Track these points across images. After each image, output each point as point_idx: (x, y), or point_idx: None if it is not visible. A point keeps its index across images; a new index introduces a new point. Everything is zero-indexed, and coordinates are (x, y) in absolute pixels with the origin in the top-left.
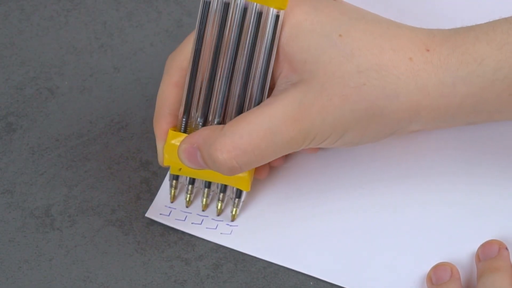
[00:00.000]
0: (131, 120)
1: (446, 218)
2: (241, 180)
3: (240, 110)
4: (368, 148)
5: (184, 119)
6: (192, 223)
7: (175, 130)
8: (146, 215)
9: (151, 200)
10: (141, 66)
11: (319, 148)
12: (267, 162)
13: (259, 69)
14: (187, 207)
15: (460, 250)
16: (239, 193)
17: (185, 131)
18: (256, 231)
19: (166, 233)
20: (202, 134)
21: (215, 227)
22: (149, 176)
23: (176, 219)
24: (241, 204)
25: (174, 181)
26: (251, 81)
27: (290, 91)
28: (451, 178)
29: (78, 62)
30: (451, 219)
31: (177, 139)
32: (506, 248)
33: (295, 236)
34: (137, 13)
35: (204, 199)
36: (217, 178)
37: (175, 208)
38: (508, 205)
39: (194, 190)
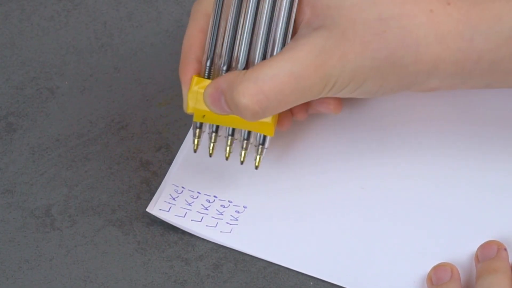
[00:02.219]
0: (131, 120)
1: (446, 218)
2: (265, 126)
3: (263, 56)
4: (370, 146)
5: (208, 65)
6: (191, 220)
7: (199, 76)
8: (147, 209)
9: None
10: (141, 66)
11: (341, 107)
12: (288, 108)
13: (282, 14)
14: (210, 155)
15: (460, 251)
16: (263, 140)
17: (209, 77)
18: (256, 230)
19: (166, 233)
20: (227, 78)
21: (214, 225)
22: (149, 176)
23: (175, 215)
24: (264, 151)
25: (197, 130)
26: (274, 27)
27: (312, 36)
28: (451, 178)
29: (78, 62)
30: (451, 220)
31: (201, 85)
32: (505, 249)
33: (295, 236)
34: (137, 13)
35: (228, 147)
36: (241, 124)
37: (174, 205)
38: (508, 205)
39: (218, 139)
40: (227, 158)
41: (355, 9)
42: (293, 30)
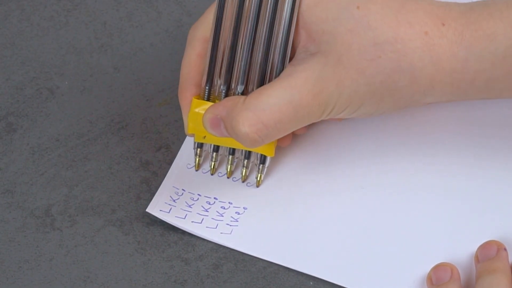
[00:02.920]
0: (131, 120)
1: (446, 219)
2: (265, 146)
3: (262, 78)
4: (370, 147)
5: (207, 87)
6: (192, 221)
7: (198, 99)
8: (147, 210)
9: (151, 200)
10: (141, 66)
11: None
12: (287, 133)
13: (280, 37)
14: (212, 174)
15: (460, 251)
16: (263, 159)
17: (208, 99)
18: (256, 231)
19: (166, 233)
20: (226, 105)
21: (215, 227)
22: (149, 176)
23: (176, 216)
24: (265, 170)
25: (198, 149)
26: (273, 49)
27: (309, 62)
28: (451, 178)
29: (78, 62)
30: (451, 220)
31: (201, 107)
32: (505, 249)
33: (295, 236)
34: (137, 13)
35: (229, 166)
36: (241, 145)
37: (175, 206)
38: (508, 205)
39: (219, 158)
40: (228, 177)
41: (349, 34)
42: (291, 50)
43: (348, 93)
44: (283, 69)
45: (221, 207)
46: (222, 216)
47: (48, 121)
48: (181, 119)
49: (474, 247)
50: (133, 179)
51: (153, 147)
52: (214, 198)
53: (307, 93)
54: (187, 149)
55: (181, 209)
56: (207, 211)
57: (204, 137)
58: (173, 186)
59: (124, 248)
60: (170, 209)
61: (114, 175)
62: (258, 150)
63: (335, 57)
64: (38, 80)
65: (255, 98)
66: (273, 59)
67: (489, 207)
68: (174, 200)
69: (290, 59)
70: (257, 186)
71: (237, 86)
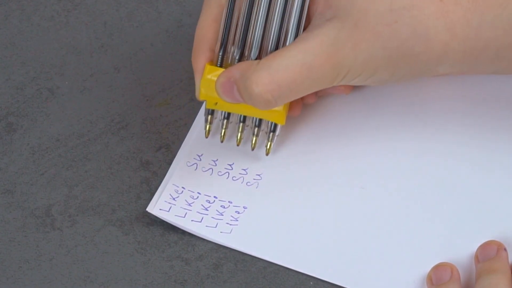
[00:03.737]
0: (131, 120)
1: (446, 218)
2: (277, 114)
3: (276, 46)
4: (369, 147)
5: (220, 54)
6: (191, 220)
7: (211, 65)
8: (147, 209)
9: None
10: (141, 66)
11: (352, 88)
12: (301, 96)
13: (295, 4)
14: (221, 141)
15: (460, 251)
16: (274, 127)
17: (221, 66)
18: (256, 231)
19: (166, 233)
20: (239, 68)
21: (215, 226)
22: (149, 176)
23: (175, 215)
24: (275, 138)
25: (209, 116)
26: (288, 17)
27: (325, 27)
28: (451, 178)
29: (78, 62)
30: (451, 219)
31: (214, 73)
32: (505, 249)
33: (295, 236)
34: (137, 13)
35: (239, 134)
36: (252, 112)
37: (175, 205)
38: (508, 205)
39: (229, 125)
40: (238, 144)
41: (367, 0)
42: (307, 20)
43: (363, 57)
44: (297, 36)
45: (221, 206)
46: (222, 215)
47: (48, 121)
48: (181, 119)
49: (474, 247)
50: (133, 179)
51: (153, 147)
52: (214, 197)
53: (322, 55)
54: (187, 148)
55: (180, 207)
56: (207, 210)
57: (216, 103)
58: (173, 184)
59: (124, 248)
60: (170, 207)
61: (114, 175)
62: (269, 117)
63: (351, 21)
64: (38, 80)
65: (269, 59)
66: (287, 27)
67: (489, 207)
68: (174, 199)
69: (305, 28)
70: (267, 155)
71: (250, 52)
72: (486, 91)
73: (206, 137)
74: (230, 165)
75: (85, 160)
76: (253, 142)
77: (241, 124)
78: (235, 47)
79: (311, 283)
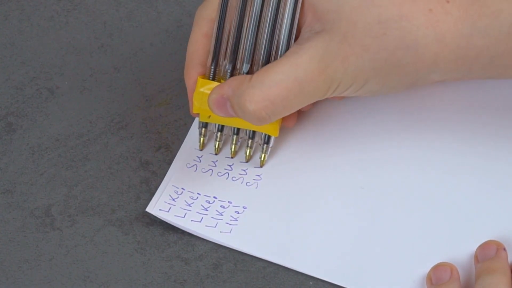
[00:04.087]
0: (131, 120)
1: (446, 218)
2: (270, 126)
3: (267, 58)
4: (369, 147)
5: (212, 67)
6: (191, 220)
7: (204, 78)
8: (147, 209)
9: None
10: (141, 66)
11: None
12: (294, 111)
13: (285, 17)
14: (216, 154)
15: (460, 251)
16: (267, 139)
17: (213, 79)
18: (256, 230)
19: (166, 233)
20: (232, 84)
21: (214, 226)
22: (149, 176)
23: (175, 215)
24: (269, 150)
25: (203, 129)
26: (278, 29)
27: (314, 40)
28: (451, 178)
29: (78, 62)
30: (451, 219)
31: (206, 86)
32: (504, 249)
33: (295, 236)
34: (137, 13)
35: (233, 146)
36: (246, 125)
37: (174, 205)
38: (508, 205)
39: (223, 138)
40: (232, 157)
41: (354, 12)
42: (296, 32)
43: (353, 69)
44: (288, 49)
45: (221, 206)
46: (222, 215)
47: (48, 121)
48: (181, 119)
49: (474, 247)
50: (133, 179)
51: (153, 147)
52: (214, 197)
53: (313, 70)
54: (187, 148)
55: (180, 208)
56: (207, 210)
57: (209, 116)
58: (173, 185)
59: (124, 248)
60: (170, 208)
61: (114, 175)
62: (262, 129)
63: (340, 34)
64: (38, 80)
65: (261, 75)
66: (278, 39)
67: (489, 208)
68: (173, 199)
69: (296, 39)
70: (261, 166)
71: (242, 66)
72: (484, 91)
73: (200, 150)
74: (229, 165)
75: (84, 160)
76: (247, 154)
77: (234, 136)
78: (226, 60)
79: (311, 283)
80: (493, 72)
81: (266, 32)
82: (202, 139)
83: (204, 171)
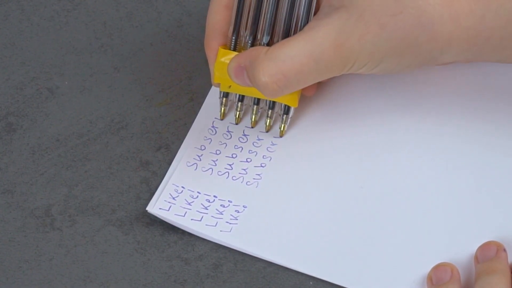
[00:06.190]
0: (131, 120)
1: (446, 218)
2: (289, 97)
3: (287, 30)
4: (368, 147)
5: (233, 38)
6: (191, 219)
7: (225, 48)
8: (147, 208)
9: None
10: (141, 66)
11: None
12: (308, 85)
13: None
14: (236, 124)
15: (460, 251)
16: (287, 109)
17: (234, 49)
18: (256, 230)
19: (166, 233)
20: (249, 55)
21: (214, 225)
22: (149, 176)
23: (175, 214)
24: (289, 120)
25: (224, 99)
26: (298, 2)
27: (332, 17)
28: (451, 178)
29: (78, 62)
30: (451, 220)
31: (227, 57)
32: (504, 250)
33: (295, 235)
34: (137, 13)
35: (253, 116)
36: None
37: (174, 204)
38: (508, 205)
39: (244, 108)
40: (252, 126)
41: None
42: (316, 6)
43: (369, 48)
44: (307, 23)
45: (221, 205)
46: (222, 214)
47: (48, 121)
48: (181, 119)
49: (474, 247)
50: (133, 179)
51: (153, 147)
52: (214, 196)
53: (329, 46)
54: (187, 147)
55: (180, 206)
56: (207, 209)
57: (230, 86)
58: (173, 184)
59: (124, 248)
60: (170, 207)
61: (114, 175)
62: (282, 100)
63: (357, 12)
64: (38, 80)
65: (277, 49)
66: (298, 13)
67: (489, 208)
68: (173, 198)
69: (315, 14)
70: (281, 136)
71: (262, 37)
72: (490, 89)
73: (221, 119)
74: (230, 165)
75: (85, 160)
76: (267, 124)
77: (255, 106)
78: (247, 32)
79: (311, 283)
80: (503, 54)
81: (286, 4)
82: (223, 108)
83: (204, 170)
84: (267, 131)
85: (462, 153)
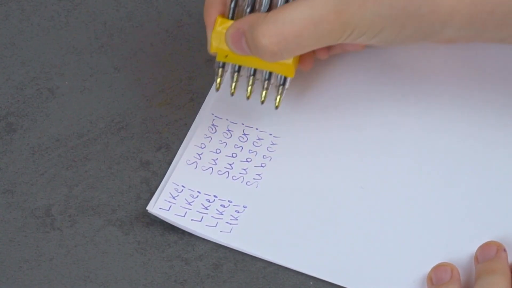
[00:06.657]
0: (131, 120)
1: (446, 218)
2: (286, 67)
3: (286, 0)
4: (368, 147)
5: (232, 6)
6: (191, 219)
7: (223, 17)
8: (147, 208)
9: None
10: (141, 66)
11: (364, 47)
12: (307, 51)
13: None
14: (232, 94)
15: (460, 251)
16: (283, 80)
17: (232, 18)
18: (256, 230)
19: (166, 233)
20: (248, 20)
21: (214, 225)
22: (149, 176)
23: (175, 214)
24: (285, 91)
25: (220, 69)
26: None
27: None
28: (451, 178)
29: (78, 62)
30: (451, 220)
31: (224, 25)
32: (504, 250)
33: (295, 235)
34: (137, 13)
35: (249, 87)
36: (262, 65)
37: (175, 204)
38: (508, 205)
39: (240, 79)
40: (248, 98)
41: None
42: None
43: (370, 15)
44: None
45: (221, 205)
46: (222, 214)
47: (48, 121)
48: (181, 119)
49: (474, 247)
50: (133, 179)
51: (153, 147)
52: (214, 196)
53: (329, 12)
54: (187, 145)
55: (180, 206)
56: (207, 209)
57: (226, 56)
58: (173, 183)
59: (124, 248)
60: (170, 206)
61: (114, 175)
62: (278, 70)
63: None
64: (38, 80)
65: (277, 12)
66: None
67: (489, 207)
68: (174, 197)
69: None
70: (276, 108)
71: (261, 7)
72: (492, 87)
73: (217, 90)
74: (230, 164)
75: (85, 160)
76: (263, 95)
77: (251, 77)
78: (246, 1)
79: (311, 283)
80: (505, 32)
81: None
82: (219, 79)
83: (204, 169)
84: (262, 103)
85: (463, 153)
